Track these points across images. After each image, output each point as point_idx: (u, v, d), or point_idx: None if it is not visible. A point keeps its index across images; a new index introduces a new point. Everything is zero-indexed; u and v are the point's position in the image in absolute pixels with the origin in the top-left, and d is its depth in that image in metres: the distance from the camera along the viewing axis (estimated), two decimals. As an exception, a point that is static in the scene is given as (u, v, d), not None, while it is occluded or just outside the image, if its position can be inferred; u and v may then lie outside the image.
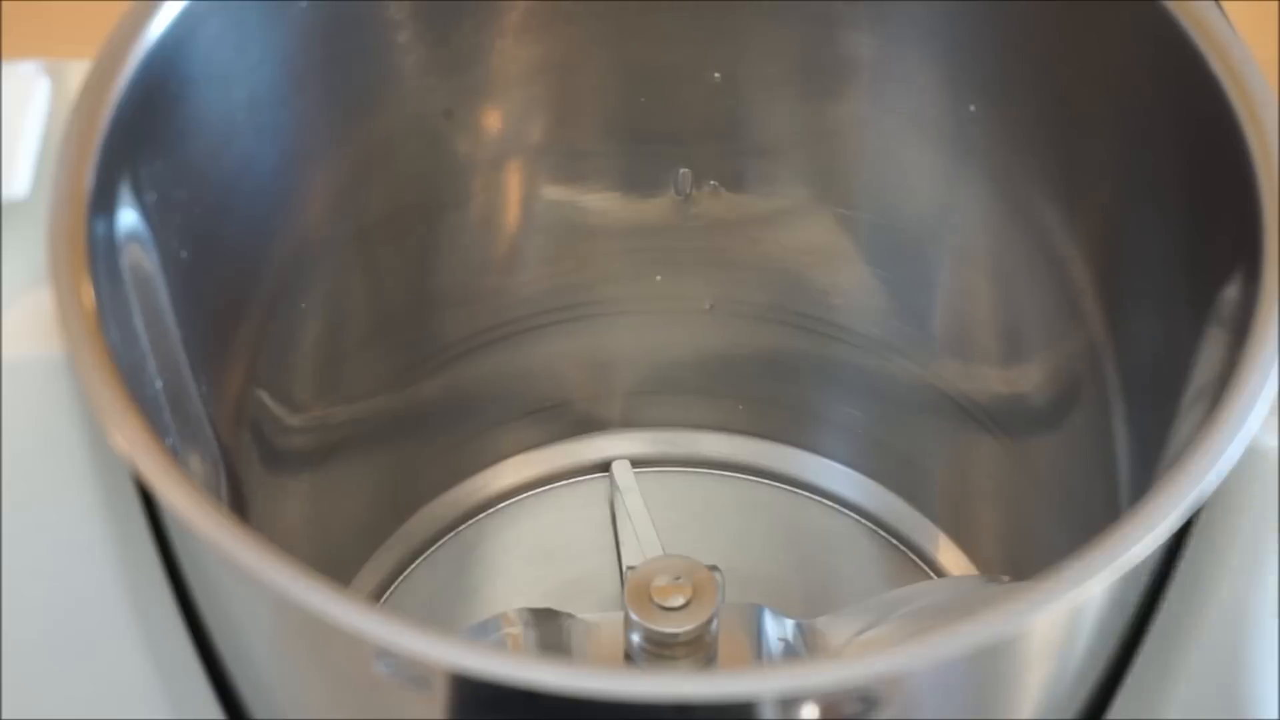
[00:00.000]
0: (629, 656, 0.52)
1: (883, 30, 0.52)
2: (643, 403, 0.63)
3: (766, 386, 0.62)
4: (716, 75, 0.54)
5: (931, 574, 0.60)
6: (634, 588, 0.51)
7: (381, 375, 0.58)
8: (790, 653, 0.54)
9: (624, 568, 0.59)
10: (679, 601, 0.51)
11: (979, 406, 0.58)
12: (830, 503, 0.63)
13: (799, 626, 0.54)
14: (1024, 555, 0.58)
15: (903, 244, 0.57)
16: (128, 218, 0.44)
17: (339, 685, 0.41)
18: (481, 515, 0.62)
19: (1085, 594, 0.37)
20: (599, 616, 0.54)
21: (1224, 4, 0.46)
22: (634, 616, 0.51)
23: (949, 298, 0.57)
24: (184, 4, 0.45)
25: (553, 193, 0.57)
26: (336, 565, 0.59)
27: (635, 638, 0.51)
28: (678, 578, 0.51)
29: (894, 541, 0.62)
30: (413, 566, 0.61)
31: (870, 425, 0.61)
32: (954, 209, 0.55)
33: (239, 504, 0.51)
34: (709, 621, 0.51)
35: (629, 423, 0.63)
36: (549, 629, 0.55)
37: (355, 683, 0.40)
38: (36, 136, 0.45)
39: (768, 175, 0.57)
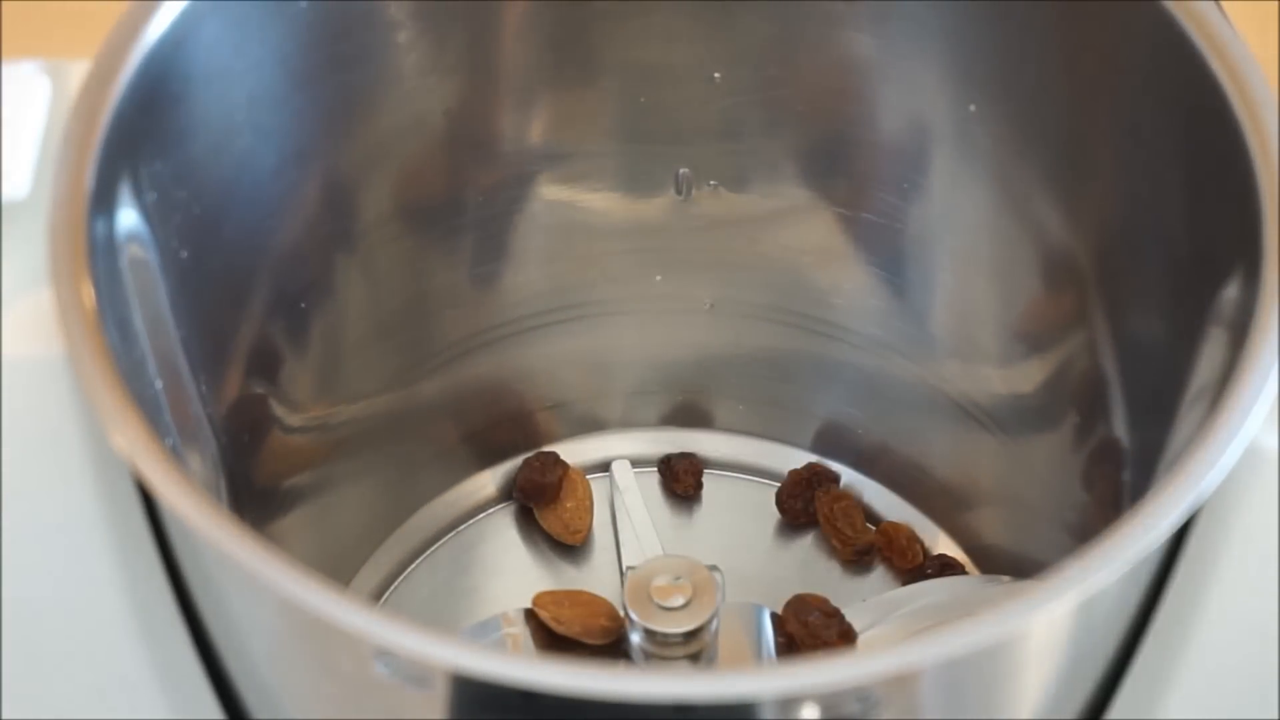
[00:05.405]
0: (629, 656, 0.52)
1: (883, 30, 0.52)
2: (643, 403, 0.63)
3: (766, 386, 0.62)
4: (716, 75, 0.54)
5: (932, 574, 0.60)
6: (634, 588, 0.51)
7: (381, 375, 0.58)
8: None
9: (624, 568, 0.59)
10: (679, 601, 0.51)
11: (979, 406, 0.58)
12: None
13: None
14: (1024, 555, 0.58)
15: (903, 244, 0.57)
16: (128, 218, 0.44)
17: (339, 685, 0.41)
18: (481, 515, 0.62)
19: (1085, 594, 0.37)
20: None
21: (1224, 4, 0.46)
22: (634, 616, 0.51)
23: (949, 298, 0.57)
24: (184, 4, 0.45)
25: (553, 193, 0.57)
26: (336, 565, 0.59)
27: (635, 638, 0.52)
28: (678, 578, 0.51)
29: (894, 541, 0.62)
30: (413, 566, 0.61)
31: (870, 425, 0.61)
32: (954, 209, 0.55)
33: (239, 504, 0.51)
34: (709, 621, 0.51)
35: (629, 423, 0.63)
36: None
37: (355, 683, 0.40)
38: (36, 136, 0.45)
39: (768, 175, 0.57)
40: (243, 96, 0.48)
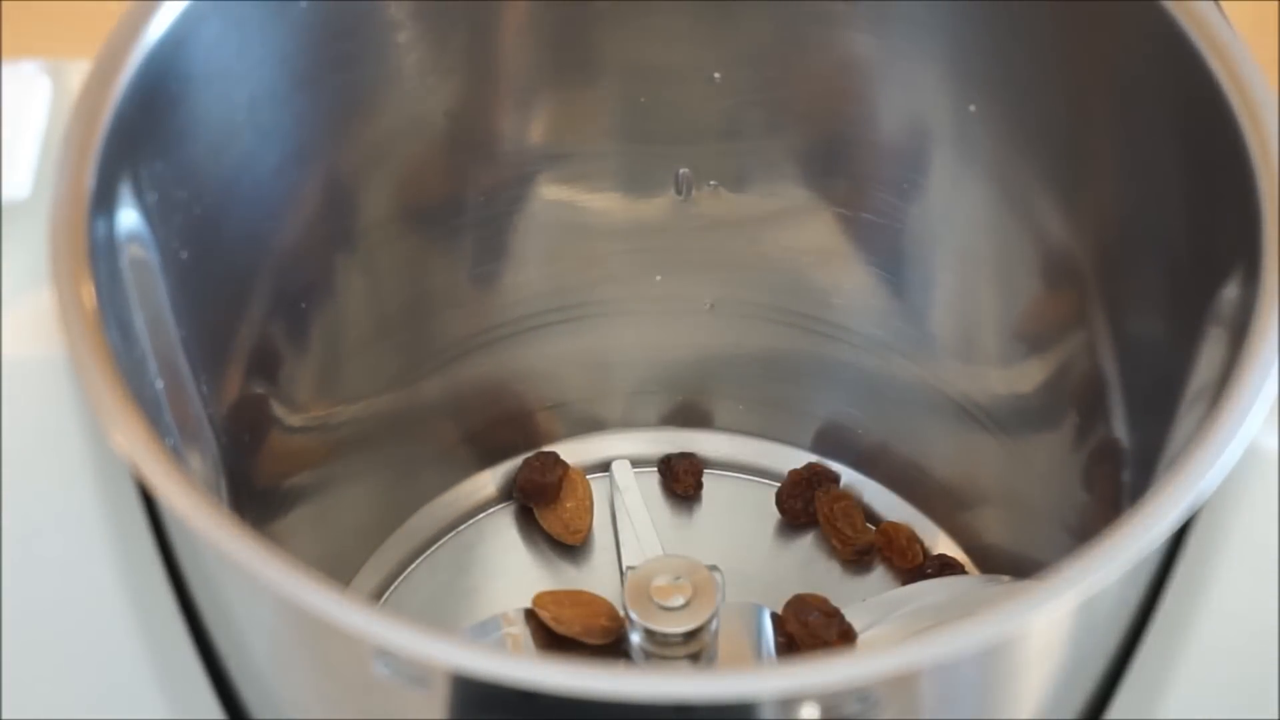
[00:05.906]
0: (629, 656, 0.52)
1: (883, 30, 0.52)
2: (643, 403, 0.63)
3: (766, 386, 0.62)
4: (716, 75, 0.55)
5: (932, 574, 0.60)
6: (634, 588, 0.51)
7: (381, 375, 0.58)
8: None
9: (624, 568, 0.59)
10: (679, 601, 0.51)
11: (979, 406, 0.58)
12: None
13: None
14: (1024, 555, 0.58)
15: (903, 244, 0.57)
16: (128, 218, 0.44)
17: (339, 685, 0.41)
18: (481, 515, 0.62)
19: (1085, 594, 0.37)
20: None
21: (1224, 4, 0.46)
22: (634, 616, 0.51)
23: (949, 298, 0.57)
24: (184, 4, 0.45)
25: (553, 193, 0.57)
26: (336, 565, 0.59)
27: (635, 638, 0.52)
28: (678, 578, 0.51)
29: (894, 541, 0.62)
30: (413, 566, 0.61)
31: (870, 425, 0.61)
32: (954, 209, 0.55)
33: (239, 504, 0.51)
34: (709, 621, 0.51)
35: (629, 423, 0.63)
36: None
37: (355, 683, 0.40)
38: (37, 136, 0.45)
39: (768, 175, 0.57)
40: (243, 97, 0.48)
